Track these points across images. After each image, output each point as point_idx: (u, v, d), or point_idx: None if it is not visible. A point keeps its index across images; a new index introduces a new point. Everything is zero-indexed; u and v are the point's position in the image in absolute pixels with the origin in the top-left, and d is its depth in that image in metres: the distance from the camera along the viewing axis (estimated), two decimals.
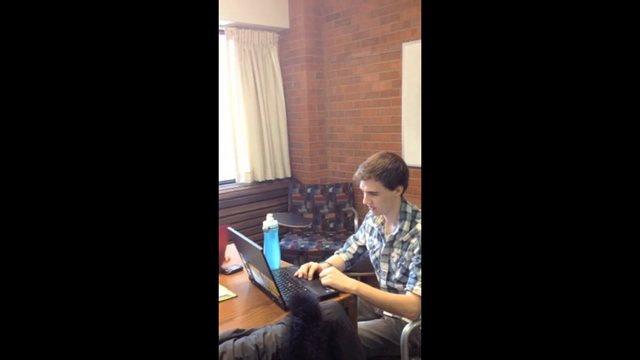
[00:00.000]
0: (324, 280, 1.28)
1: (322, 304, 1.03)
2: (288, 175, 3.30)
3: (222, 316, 1.15)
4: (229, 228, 1.43)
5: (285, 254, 2.67)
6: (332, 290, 1.25)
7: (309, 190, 3.10)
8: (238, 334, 0.93)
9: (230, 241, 1.48)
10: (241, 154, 3.06)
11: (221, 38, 2.94)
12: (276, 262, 1.49)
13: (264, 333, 0.92)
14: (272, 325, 0.96)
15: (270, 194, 3.15)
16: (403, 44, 2.60)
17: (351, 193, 3.06)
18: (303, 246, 2.69)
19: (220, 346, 0.88)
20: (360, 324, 1.37)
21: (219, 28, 2.89)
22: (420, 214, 1.37)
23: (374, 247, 1.48)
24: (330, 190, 3.08)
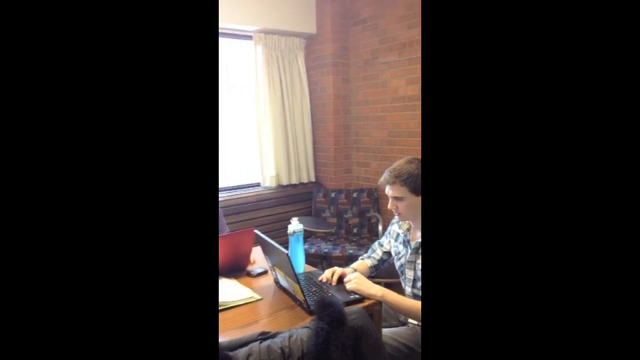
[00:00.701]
0: (348, 286, 1.28)
1: (347, 309, 1.03)
2: (313, 179, 3.31)
3: (247, 318, 1.16)
4: (255, 231, 1.45)
5: (309, 258, 2.67)
6: (357, 296, 1.24)
7: (333, 195, 3.10)
8: (264, 336, 0.94)
9: (256, 243, 1.50)
10: (266, 158, 3.09)
11: (249, 44, 3.00)
12: (300, 265, 1.49)
13: (290, 336, 0.92)
14: (297, 329, 0.96)
15: (294, 198, 3.17)
16: None
17: (376, 198, 3.04)
18: (326, 250, 2.69)
19: (246, 348, 0.89)
20: (385, 331, 1.35)
21: (248, 33, 2.94)
22: None
23: (399, 253, 1.46)
24: (355, 195, 3.07)
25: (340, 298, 1.21)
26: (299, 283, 1.16)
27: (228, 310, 1.20)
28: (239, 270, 1.52)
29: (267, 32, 2.94)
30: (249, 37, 2.96)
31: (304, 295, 1.17)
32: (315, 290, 1.30)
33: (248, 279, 1.46)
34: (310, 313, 1.16)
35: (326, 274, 1.38)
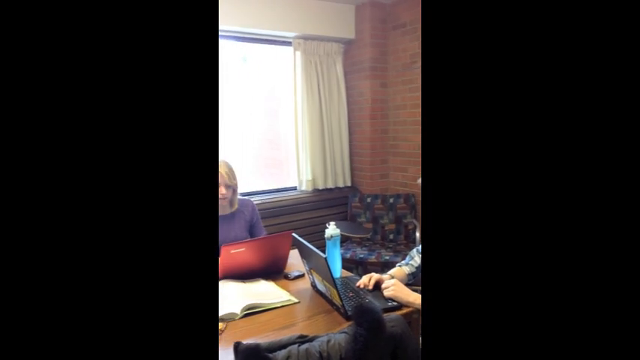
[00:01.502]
0: (386, 292, 1.26)
1: (385, 316, 1.02)
2: (349, 183, 3.30)
3: (285, 320, 1.18)
4: (293, 234, 1.46)
5: (344, 263, 2.66)
6: (394, 303, 1.23)
7: (368, 200, 3.08)
8: (302, 339, 0.94)
9: (293, 246, 1.51)
10: (303, 162, 3.12)
11: (288, 50, 3.04)
12: (337, 270, 1.49)
13: (328, 341, 0.92)
14: (335, 334, 0.96)
15: (330, 202, 3.18)
16: None
17: (413, 204, 2.99)
18: (362, 256, 2.67)
19: (285, 351, 0.90)
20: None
21: (287, 40, 2.99)
22: None
23: None
24: (391, 200, 3.03)
25: (378, 304, 1.20)
26: (336, 288, 1.16)
27: (266, 312, 1.22)
28: (276, 272, 1.54)
29: (306, 38, 2.98)
30: (289, 44, 3.01)
31: (342, 300, 1.17)
32: (352, 296, 1.29)
33: (285, 282, 1.47)
34: (348, 318, 1.15)
35: (363, 280, 1.37)
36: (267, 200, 2.91)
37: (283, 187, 3.27)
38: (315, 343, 0.92)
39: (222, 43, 2.88)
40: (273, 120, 3.26)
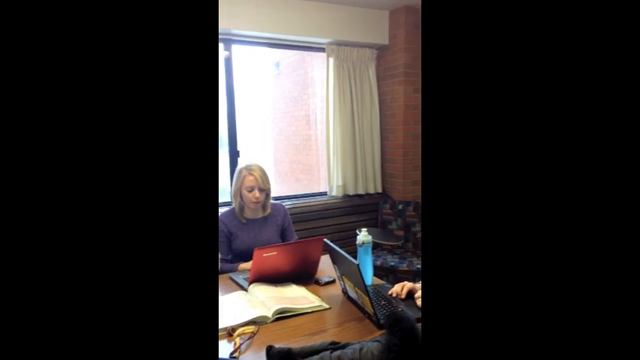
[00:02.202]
0: (420, 302, 1.23)
1: (419, 326, 0.99)
2: (380, 190, 3.27)
3: (316, 326, 1.17)
4: (325, 240, 1.46)
5: (374, 271, 2.62)
6: None
7: (400, 207, 3.04)
8: (334, 346, 0.93)
9: (324, 252, 1.51)
10: (334, 168, 3.12)
11: (322, 55, 3.06)
12: (369, 277, 1.47)
13: (361, 349, 0.90)
14: (367, 342, 0.95)
15: (360, 208, 3.15)
16: None
17: None
18: (393, 264, 2.63)
19: (317, 357, 0.90)
20: None
21: (321, 45, 3.01)
22: None
23: None
24: None
25: (411, 314, 1.17)
26: (369, 296, 1.14)
27: (297, 317, 1.22)
28: (307, 277, 1.54)
29: (339, 44, 2.99)
30: (322, 50, 3.02)
31: (374, 308, 1.15)
32: (384, 304, 1.27)
33: (316, 287, 1.47)
34: (380, 327, 1.13)
35: (395, 289, 1.34)
36: (297, 205, 2.92)
37: (313, 191, 3.28)
38: (348, 351, 0.91)
39: (256, 50, 2.94)
40: (304, 125, 3.28)
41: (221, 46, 2.75)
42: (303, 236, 2.62)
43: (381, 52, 3.19)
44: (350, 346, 0.93)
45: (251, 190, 1.75)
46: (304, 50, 3.08)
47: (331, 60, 2.99)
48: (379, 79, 3.21)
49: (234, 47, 2.78)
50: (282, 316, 1.21)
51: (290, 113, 5.22)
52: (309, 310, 1.25)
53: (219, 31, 2.62)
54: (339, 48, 2.99)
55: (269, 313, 1.20)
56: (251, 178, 1.75)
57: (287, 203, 2.82)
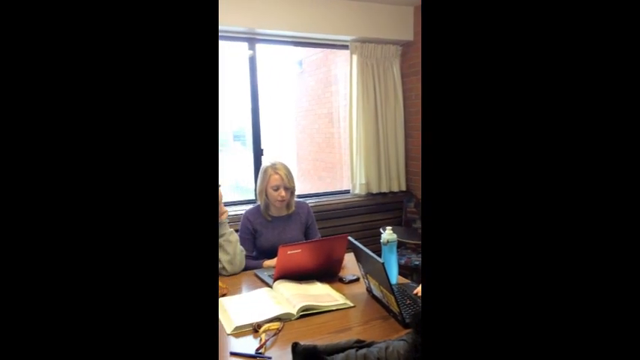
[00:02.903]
0: None
1: None
2: (404, 188, 3.24)
3: (340, 324, 1.17)
4: (349, 238, 1.45)
5: (398, 269, 2.61)
6: None
7: None
8: (360, 344, 0.93)
9: (348, 250, 1.50)
10: (357, 166, 3.10)
11: (345, 53, 3.05)
12: (393, 276, 1.46)
13: (387, 348, 0.90)
14: (393, 341, 0.94)
15: (384, 207, 3.13)
16: None
17: None
18: (417, 263, 2.60)
19: (342, 354, 0.89)
20: None
21: (344, 43, 3.00)
22: None
23: None
24: None
25: None
26: (394, 294, 1.14)
27: (322, 315, 1.22)
28: (331, 275, 1.54)
29: (363, 41, 2.97)
30: (346, 47, 3.01)
31: (399, 307, 1.14)
32: (409, 303, 1.26)
33: (340, 285, 1.47)
34: (405, 326, 1.12)
35: (421, 288, 1.33)
36: (320, 203, 2.92)
37: (337, 189, 3.28)
38: (373, 349, 0.90)
39: (279, 49, 2.95)
40: (327, 123, 3.28)
41: (245, 45, 2.77)
42: (325, 234, 2.63)
43: (406, 48, 3.15)
44: (376, 345, 0.93)
45: (276, 188, 1.76)
46: (328, 48, 3.08)
47: (355, 57, 2.97)
48: (403, 75, 3.18)
49: (258, 46, 2.81)
50: (307, 313, 1.22)
51: (313, 111, 5.23)
52: (334, 308, 1.25)
53: (243, 30, 2.65)
54: (363, 45, 2.97)
55: (294, 310, 1.21)
56: (276, 176, 1.76)
57: (310, 201, 2.83)
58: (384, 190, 3.16)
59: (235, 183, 5.34)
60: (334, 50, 3.09)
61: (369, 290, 1.38)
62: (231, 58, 3.35)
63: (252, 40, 2.78)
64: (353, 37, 2.93)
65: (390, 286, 1.14)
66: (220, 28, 2.54)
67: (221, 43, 2.78)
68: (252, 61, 2.81)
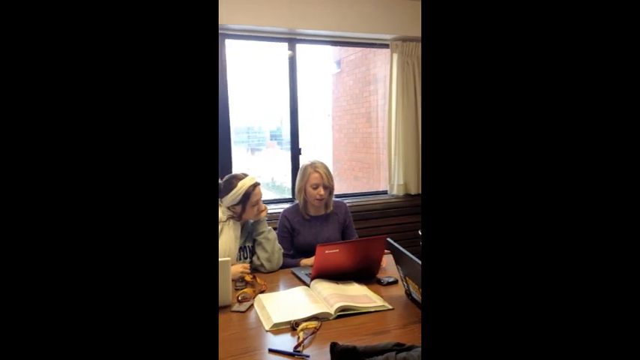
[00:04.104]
0: None
1: None
2: None
3: (378, 326, 1.15)
4: (388, 239, 1.43)
5: None
6: None
7: None
8: (399, 347, 0.92)
9: (387, 251, 1.48)
10: (395, 166, 3.06)
11: (385, 52, 3.01)
12: None
13: None
14: None
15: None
16: None
17: None
18: None
19: (382, 357, 0.88)
20: None
21: (385, 42, 2.96)
22: None
23: None
24: None
25: None
26: None
27: (359, 316, 1.21)
28: (369, 277, 1.52)
29: (404, 40, 2.92)
30: (386, 46, 2.98)
31: None
32: None
33: (378, 287, 1.45)
34: None
35: None
36: (357, 203, 2.90)
37: (374, 190, 3.25)
38: (413, 353, 0.89)
39: (318, 49, 2.96)
40: (365, 123, 3.26)
41: (285, 45, 2.80)
42: (362, 235, 2.61)
43: None
44: (415, 349, 0.91)
45: (316, 187, 1.77)
46: (368, 47, 3.06)
47: (395, 56, 2.93)
48: None
49: (298, 46, 2.83)
50: (344, 313, 1.21)
51: (350, 111, 5.21)
52: (372, 310, 1.24)
53: (283, 30, 2.67)
54: (404, 44, 2.92)
55: (331, 310, 1.20)
56: (316, 175, 1.77)
57: (346, 201, 2.82)
58: None
59: (271, 181, 5.42)
60: (373, 49, 3.06)
61: (407, 293, 1.36)
62: (271, 58, 3.40)
63: (292, 40, 2.80)
64: (393, 36, 2.89)
65: None
66: (261, 28, 2.58)
67: (261, 44, 2.82)
68: (292, 61, 2.83)
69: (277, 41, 2.80)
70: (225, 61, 2.58)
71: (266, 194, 3.28)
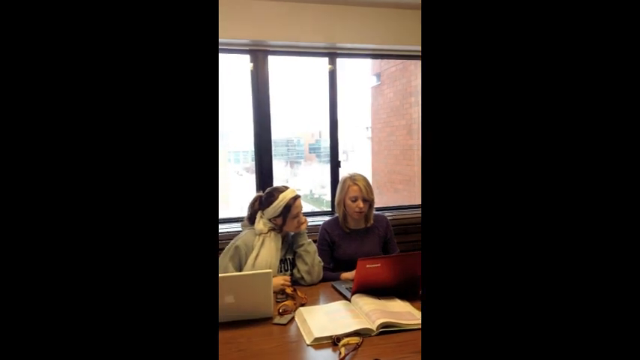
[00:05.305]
0: None
1: None
2: None
3: None
4: None
5: None
6: None
7: None
8: None
9: None
10: None
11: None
12: None
13: None
14: None
15: None
16: None
17: None
18: None
19: None
20: None
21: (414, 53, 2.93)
22: None
23: None
24: None
25: None
26: None
27: (402, 333, 1.18)
28: (412, 293, 1.48)
29: None
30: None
31: None
32: None
33: (417, 304, 1.41)
34: None
35: None
36: (397, 217, 2.85)
37: (413, 204, 3.18)
38: None
39: (357, 62, 2.97)
40: (405, 135, 3.22)
41: (325, 60, 2.84)
42: (403, 250, 2.55)
43: None
44: None
45: (355, 199, 1.76)
46: (407, 59, 3.04)
47: None
48: None
49: (338, 60, 2.85)
50: (387, 330, 1.18)
51: (390, 123, 5.17)
52: (415, 327, 1.20)
53: (324, 45, 2.71)
54: None
55: (373, 326, 1.18)
56: (355, 188, 1.76)
57: (386, 214, 2.78)
58: None
59: (309, 193, 5.44)
60: (414, 61, 3.03)
61: None
62: (312, 72, 3.46)
63: (332, 54, 2.83)
64: None
65: None
66: (302, 44, 2.63)
67: (302, 59, 2.87)
68: (332, 75, 2.86)
69: (318, 56, 2.84)
70: (267, 76, 2.65)
71: (305, 207, 3.30)
